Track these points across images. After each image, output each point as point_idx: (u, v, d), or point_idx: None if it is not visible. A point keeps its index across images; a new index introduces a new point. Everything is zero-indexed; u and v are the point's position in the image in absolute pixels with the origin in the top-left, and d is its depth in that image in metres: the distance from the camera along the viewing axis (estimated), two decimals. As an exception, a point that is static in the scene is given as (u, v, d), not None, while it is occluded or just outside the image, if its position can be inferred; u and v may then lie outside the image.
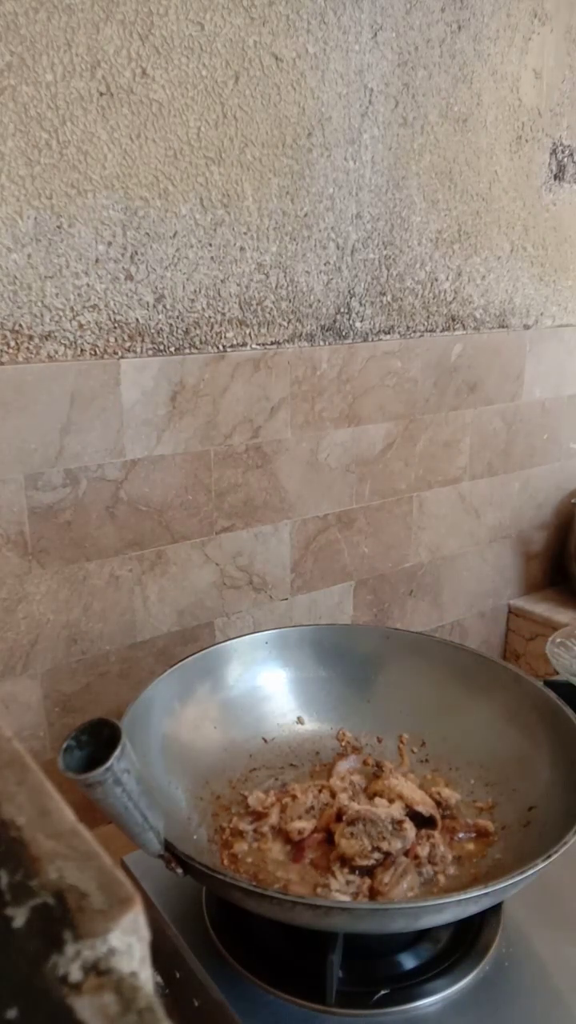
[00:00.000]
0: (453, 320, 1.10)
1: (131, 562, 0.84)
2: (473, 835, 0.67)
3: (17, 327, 0.73)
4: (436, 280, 1.06)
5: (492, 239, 1.11)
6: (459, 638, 1.25)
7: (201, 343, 0.85)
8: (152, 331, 0.81)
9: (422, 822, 0.66)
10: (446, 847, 0.65)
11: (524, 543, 1.31)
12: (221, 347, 0.87)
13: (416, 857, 0.63)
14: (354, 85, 0.90)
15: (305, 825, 0.66)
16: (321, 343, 0.95)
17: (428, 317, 1.07)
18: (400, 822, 0.63)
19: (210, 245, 0.83)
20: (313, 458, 0.98)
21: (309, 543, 1.01)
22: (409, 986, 0.58)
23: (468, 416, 1.15)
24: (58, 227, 0.73)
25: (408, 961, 0.60)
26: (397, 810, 0.65)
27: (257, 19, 0.80)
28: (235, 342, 0.88)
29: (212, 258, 0.84)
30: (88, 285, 0.76)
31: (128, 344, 0.80)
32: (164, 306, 0.81)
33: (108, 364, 0.78)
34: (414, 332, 1.05)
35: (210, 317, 0.85)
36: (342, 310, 0.97)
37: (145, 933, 0.22)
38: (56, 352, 0.76)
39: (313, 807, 0.69)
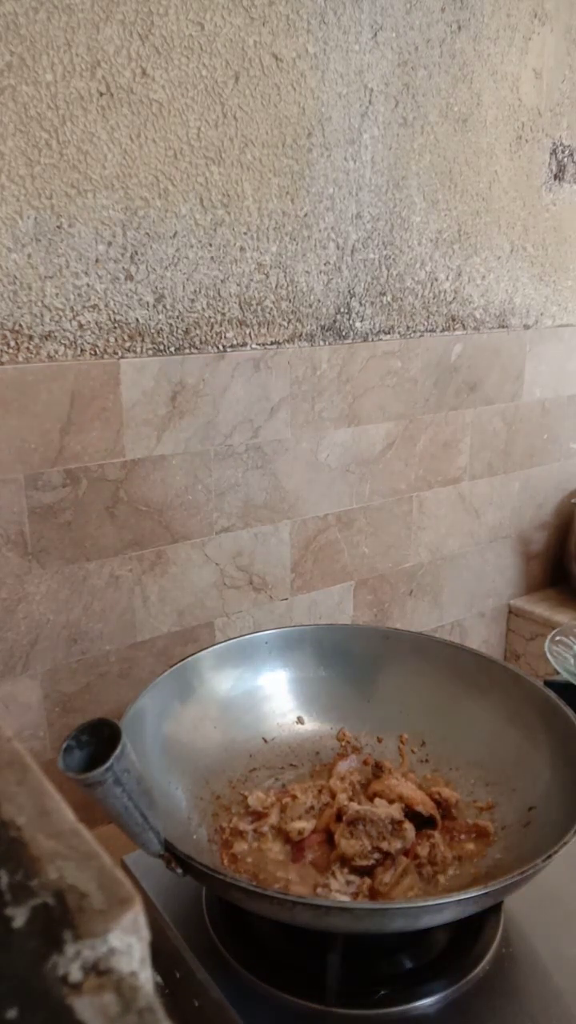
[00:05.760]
0: (453, 320, 1.10)
1: (131, 562, 0.84)
2: (473, 835, 0.67)
3: (17, 327, 0.73)
4: (436, 280, 1.06)
5: (492, 239, 1.11)
6: (459, 638, 1.25)
7: (201, 343, 0.85)
8: (152, 331, 0.81)
9: (422, 822, 0.66)
10: (446, 847, 0.65)
11: (524, 543, 1.31)
12: (221, 347, 0.87)
13: (416, 857, 0.63)
14: (354, 85, 0.90)
15: (305, 825, 0.66)
16: (321, 343, 0.95)
17: (428, 317, 1.07)
18: (400, 822, 0.63)
19: (210, 245, 0.83)
20: (313, 458, 0.98)
21: (309, 543, 1.01)
22: (409, 986, 0.58)
23: (468, 416, 1.15)
24: (58, 227, 0.73)
25: (408, 961, 0.60)
26: (397, 810, 0.65)
27: (257, 19, 0.80)
28: (235, 342, 0.88)
29: (212, 258, 0.84)
30: (88, 285, 0.76)
31: (128, 344, 0.80)
32: (164, 306, 0.81)
33: (108, 364, 0.78)
34: (414, 332, 1.05)
35: (210, 317, 0.85)
36: (342, 310, 0.97)
37: (145, 933, 0.22)
38: (56, 352, 0.76)
39: (313, 807, 0.69)
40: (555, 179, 1.16)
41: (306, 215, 0.90)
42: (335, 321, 0.96)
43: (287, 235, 0.89)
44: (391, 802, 0.67)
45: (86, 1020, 0.20)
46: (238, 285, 0.86)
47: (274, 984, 0.58)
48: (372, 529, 1.08)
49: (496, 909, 0.64)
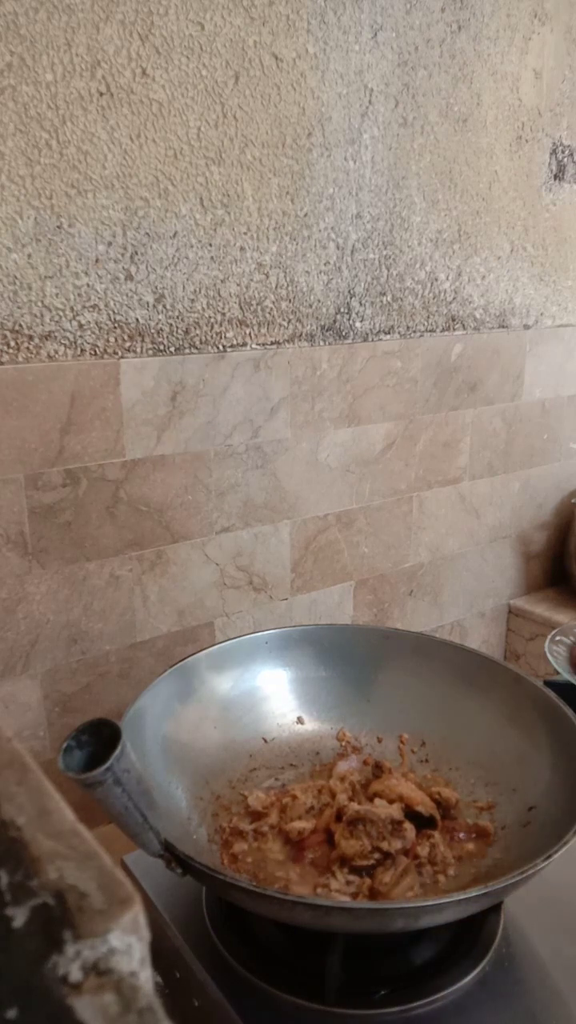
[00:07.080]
0: (453, 320, 1.10)
1: (131, 562, 0.84)
2: (473, 835, 0.67)
3: (17, 327, 0.73)
4: (436, 280, 1.06)
5: (492, 239, 1.11)
6: (459, 638, 1.25)
7: (201, 343, 0.85)
8: (152, 331, 0.81)
9: (422, 822, 0.66)
10: (446, 847, 0.65)
11: (524, 543, 1.31)
12: (221, 347, 0.87)
13: (416, 857, 0.63)
14: (354, 85, 0.90)
15: (305, 825, 0.66)
16: (321, 343, 0.95)
17: (428, 317, 1.07)
18: (400, 822, 0.63)
19: (210, 245, 0.83)
20: (313, 458, 0.98)
21: (309, 543, 1.01)
22: (409, 986, 0.58)
23: (468, 416, 1.15)
24: (58, 227, 0.73)
25: (408, 961, 0.60)
26: (397, 810, 0.65)
27: (257, 19, 0.80)
28: (235, 342, 0.88)
29: (212, 258, 0.84)
30: (88, 285, 0.76)
31: (128, 344, 0.80)
32: (164, 306, 0.81)
33: (108, 364, 0.78)
34: (414, 332, 1.05)
35: (210, 317, 0.85)
36: (342, 310, 0.97)
37: (145, 933, 0.22)
38: (56, 352, 0.76)
39: (313, 807, 0.69)
40: (555, 179, 1.16)
41: (306, 215, 0.90)
42: (335, 321, 0.96)
43: (287, 235, 0.89)
44: (391, 802, 0.66)
45: (86, 1020, 0.20)
46: (238, 285, 0.86)
47: (274, 984, 0.58)
48: (372, 529, 1.08)
49: (496, 909, 0.64)
